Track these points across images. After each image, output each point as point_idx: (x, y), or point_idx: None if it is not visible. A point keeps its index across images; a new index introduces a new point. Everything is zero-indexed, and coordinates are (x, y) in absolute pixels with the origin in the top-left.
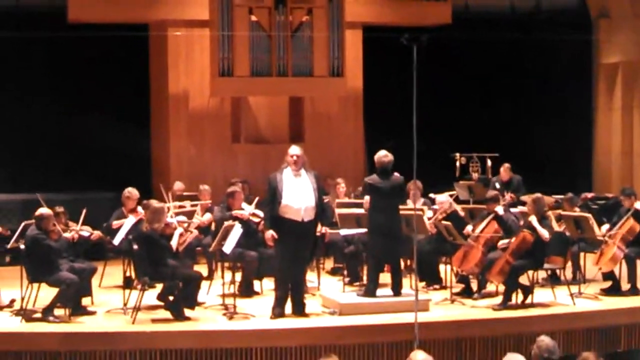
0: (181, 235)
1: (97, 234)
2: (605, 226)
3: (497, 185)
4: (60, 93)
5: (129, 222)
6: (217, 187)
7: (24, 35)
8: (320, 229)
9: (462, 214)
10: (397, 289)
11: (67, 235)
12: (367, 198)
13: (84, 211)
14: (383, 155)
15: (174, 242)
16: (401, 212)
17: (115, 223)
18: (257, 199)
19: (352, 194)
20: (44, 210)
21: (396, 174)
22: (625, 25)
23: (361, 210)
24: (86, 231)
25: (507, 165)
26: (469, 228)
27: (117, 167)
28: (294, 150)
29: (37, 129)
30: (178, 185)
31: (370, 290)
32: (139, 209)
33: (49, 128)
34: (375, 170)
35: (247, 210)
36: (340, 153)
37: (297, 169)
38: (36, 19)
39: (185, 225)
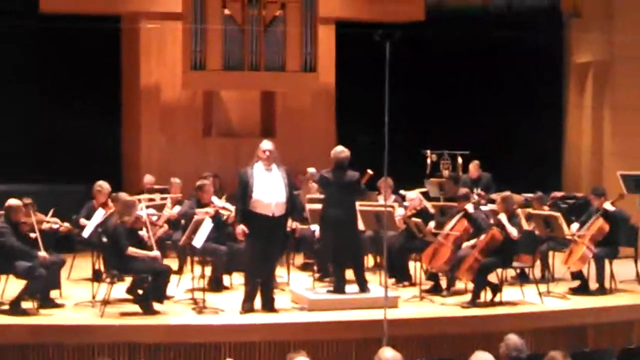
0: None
1: (66, 226)
2: (575, 225)
3: (471, 185)
4: (30, 84)
5: (98, 214)
6: (188, 180)
7: None
8: (291, 224)
9: (432, 211)
10: (362, 285)
11: (32, 235)
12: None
13: (53, 207)
14: (340, 151)
15: (132, 251)
16: (371, 208)
17: (82, 222)
18: (224, 195)
19: (306, 179)
20: (12, 202)
21: (351, 171)
22: (597, 25)
23: None
24: (55, 223)
25: (476, 162)
26: (431, 224)
27: (87, 160)
28: (266, 145)
29: (7, 121)
30: (148, 178)
31: (338, 287)
32: (109, 202)
33: (19, 120)
34: (335, 166)
35: (217, 204)
36: (312, 148)
37: (269, 164)
38: (7, 8)
39: (155, 218)
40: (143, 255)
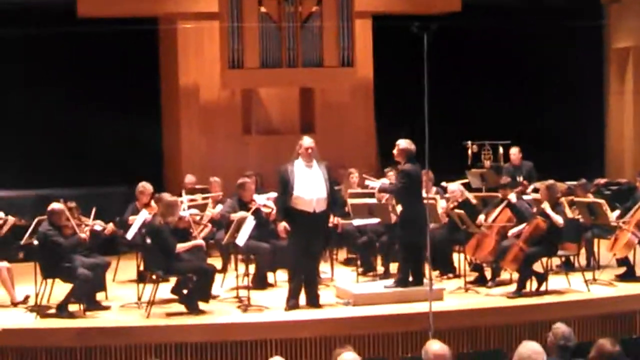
0: (194, 237)
1: (110, 228)
2: (616, 212)
3: (514, 173)
4: (71, 89)
5: (142, 216)
6: (228, 179)
7: (33, 32)
8: (333, 219)
9: (474, 202)
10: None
11: (82, 235)
12: (379, 184)
13: (94, 208)
14: (410, 143)
15: (182, 246)
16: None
17: (131, 218)
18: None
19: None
20: (55, 206)
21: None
22: (636, 10)
23: (374, 200)
24: (99, 225)
25: (517, 148)
26: (481, 218)
27: (128, 161)
28: (308, 141)
29: (48, 125)
30: (189, 179)
31: (406, 281)
32: (152, 203)
33: (60, 124)
34: (409, 160)
35: (259, 201)
36: (351, 143)
37: (310, 160)
38: (45, 15)
39: (198, 218)
40: (190, 246)
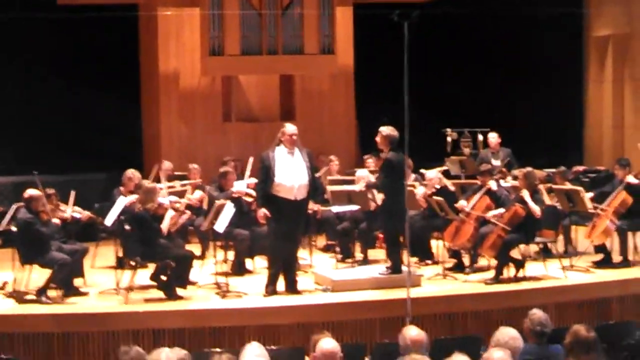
0: (172, 218)
1: (87, 214)
2: (590, 194)
3: (491, 158)
4: (50, 76)
5: (120, 202)
6: (208, 166)
7: (13, 18)
8: (312, 206)
9: (452, 188)
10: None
11: (55, 221)
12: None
13: (73, 193)
14: (393, 129)
15: (164, 225)
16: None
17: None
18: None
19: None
20: (32, 192)
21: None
22: None
23: (353, 187)
24: (77, 212)
25: (495, 134)
26: (462, 203)
27: (108, 148)
28: (293, 128)
29: (27, 112)
30: (167, 165)
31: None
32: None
33: (40, 110)
34: (392, 147)
35: (240, 187)
36: (332, 130)
37: (293, 147)
38: (25, 2)
39: (177, 205)
40: (169, 221)
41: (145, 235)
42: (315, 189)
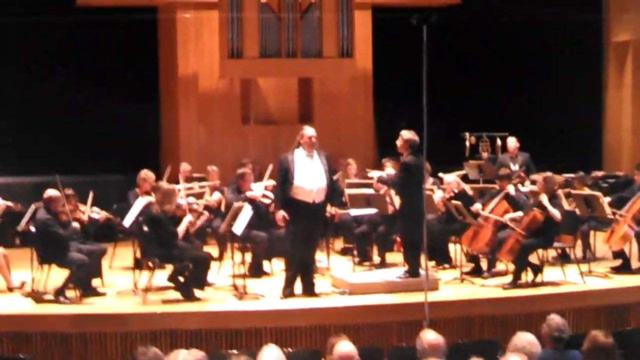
0: (190, 222)
1: (105, 215)
2: (607, 198)
3: (509, 162)
4: (70, 77)
5: (139, 203)
6: (226, 168)
7: (33, 20)
8: (330, 209)
9: (470, 193)
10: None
11: (75, 224)
12: (378, 175)
13: (91, 194)
14: (414, 133)
15: (180, 229)
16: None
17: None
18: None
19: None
20: (52, 192)
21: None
22: (636, 3)
23: (371, 191)
24: (96, 213)
25: (514, 138)
26: (477, 206)
27: (127, 150)
28: (311, 131)
29: (47, 113)
30: (184, 167)
31: (417, 271)
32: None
33: (60, 112)
34: (412, 151)
35: (257, 190)
36: (350, 134)
37: (312, 149)
38: (45, 4)
39: (195, 206)
40: (185, 226)
41: (161, 237)
42: (334, 193)
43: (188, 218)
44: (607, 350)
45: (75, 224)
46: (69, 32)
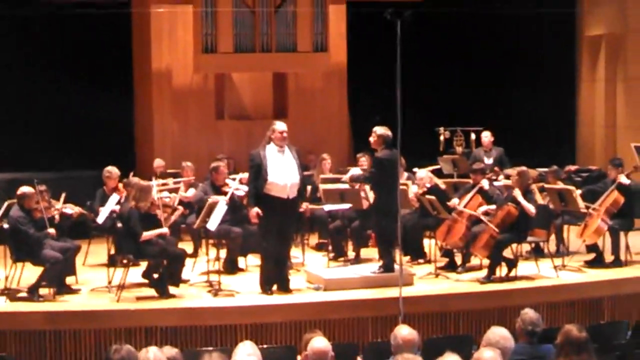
0: (158, 233)
1: (78, 210)
2: (579, 191)
3: (483, 156)
4: (43, 72)
5: (112, 200)
6: (201, 163)
7: (4, 14)
8: (300, 204)
9: (443, 187)
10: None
11: (51, 230)
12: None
13: (64, 194)
14: (387, 129)
15: (147, 234)
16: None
17: (100, 210)
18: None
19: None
20: (25, 189)
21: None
22: None
23: (345, 186)
24: (69, 209)
25: (488, 132)
26: (455, 201)
27: (100, 146)
28: (282, 126)
29: (20, 108)
30: (158, 162)
31: (391, 266)
32: (120, 186)
33: (32, 108)
34: (386, 146)
35: (232, 185)
36: (325, 128)
37: (284, 145)
38: None
39: (167, 200)
40: (155, 235)
41: (132, 234)
42: (304, 187)
43: (162, 230)
44: (581, 344)
45: (52, 231)
46: (42, 27)
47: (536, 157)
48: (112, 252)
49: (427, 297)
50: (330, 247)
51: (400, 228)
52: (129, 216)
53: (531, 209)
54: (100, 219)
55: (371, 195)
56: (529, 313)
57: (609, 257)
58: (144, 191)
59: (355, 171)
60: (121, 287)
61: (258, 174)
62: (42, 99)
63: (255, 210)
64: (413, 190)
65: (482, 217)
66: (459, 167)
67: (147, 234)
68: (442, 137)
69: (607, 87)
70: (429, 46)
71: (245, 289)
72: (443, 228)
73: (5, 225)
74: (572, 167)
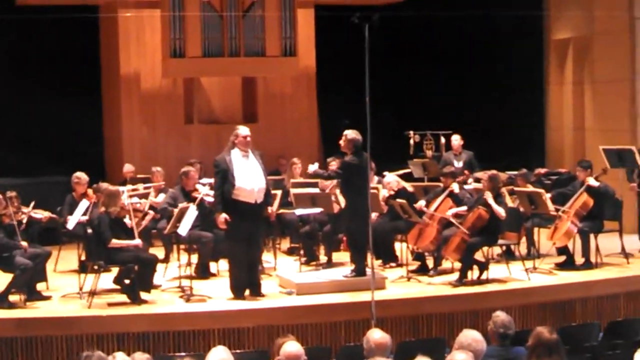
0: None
1: (47, 215)
2: (548, 194)
3: (453, 160)
4: (11, 77)
5: (82, 206)
6: (170, 168)
7: None
8: (266, 209)
9: (411, 189)
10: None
11: (23, 243)
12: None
13: (33, 202)
14: (357, 133)
15: (115, 241)
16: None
17: (69, 218)
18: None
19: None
20: None
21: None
22: (576, 1)
23: (316, 190)
24: (39, 213)
25: (457, 136)
26: (421, 202)
27: (69, 150)
28: (246, 130)
29: None
30: (127, 168)
31: (363, 270)
32: (89, 192)
33: (0, 112)
34: (356, 150)
35: (202, 190)
36: (294, 132)
37: (248, 149)
38: None
39: (138, 205)
40: (125, 245)
41: (100, 240)
42: (269, 192)
43: (136, 242)
44: (552, 346)
45: (24, 243)
46: (9, 31)
47: (505, 160)
48: (83, 258)
49: (399, 300)
50: (301, 252)
51: (371, 232)
52: (99, 222)
53: (502, 212)
54: (70, 225)
55: (342, 199)
56: (500, 316)
57: (579, 260)
58: (112, 196)
59: (316, 167)
60: (92, 293)
61: (224, 179)
62: (8, 103)
63: (224, 216)
64: (384, 194)
65: (453, 220)
66: (429, 170)
67: (117, 242)
68: (412, 141)
69: (575, 89)
70: (398, 49)
71: (217, 294)
72: (414, 231)
73: None
74: (542, 170)
